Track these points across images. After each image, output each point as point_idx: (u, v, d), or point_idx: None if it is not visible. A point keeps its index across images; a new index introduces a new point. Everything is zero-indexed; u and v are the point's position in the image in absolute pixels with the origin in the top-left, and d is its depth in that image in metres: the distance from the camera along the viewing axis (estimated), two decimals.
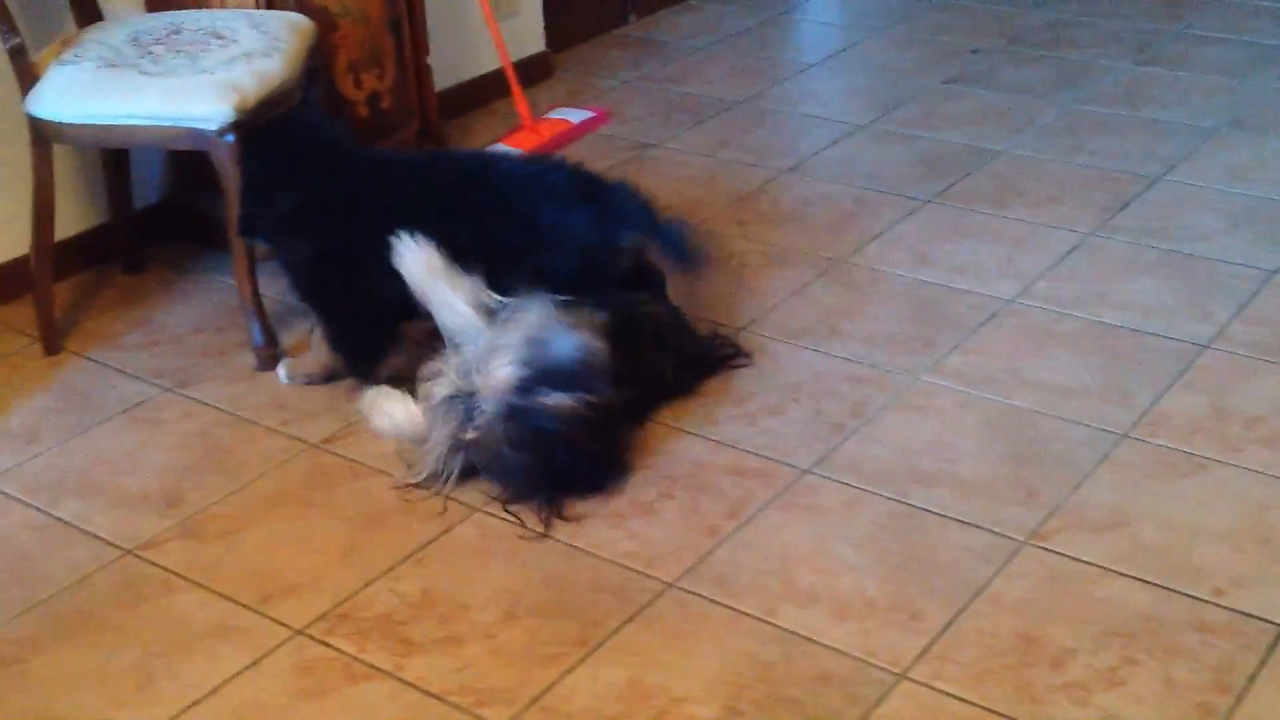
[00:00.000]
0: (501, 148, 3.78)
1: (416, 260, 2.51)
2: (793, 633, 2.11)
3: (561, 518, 2.37)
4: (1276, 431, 2.52)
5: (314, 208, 2.64)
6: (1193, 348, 2.79)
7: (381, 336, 2.68)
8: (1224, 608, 2.12)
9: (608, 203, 2.69)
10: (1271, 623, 2.08)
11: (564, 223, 2.64)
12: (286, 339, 2.95)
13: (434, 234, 2.54)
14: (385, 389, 2.60)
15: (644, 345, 2.60)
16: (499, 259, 2.59)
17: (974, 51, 4.42)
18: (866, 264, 3.17)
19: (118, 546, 2.37)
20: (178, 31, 2.91)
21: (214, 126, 2.70)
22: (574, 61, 4.48)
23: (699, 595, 2.20)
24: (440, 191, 2.69)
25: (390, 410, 2.56)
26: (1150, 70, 4.21)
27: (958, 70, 4.28)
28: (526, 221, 2.65)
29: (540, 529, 2.35)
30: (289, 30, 2.94)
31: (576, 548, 2.31)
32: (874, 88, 4.19)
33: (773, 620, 2.13)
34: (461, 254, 2.55)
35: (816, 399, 2.68)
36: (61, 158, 3.04)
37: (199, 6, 3.11)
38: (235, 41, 2.86)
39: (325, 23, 3.16)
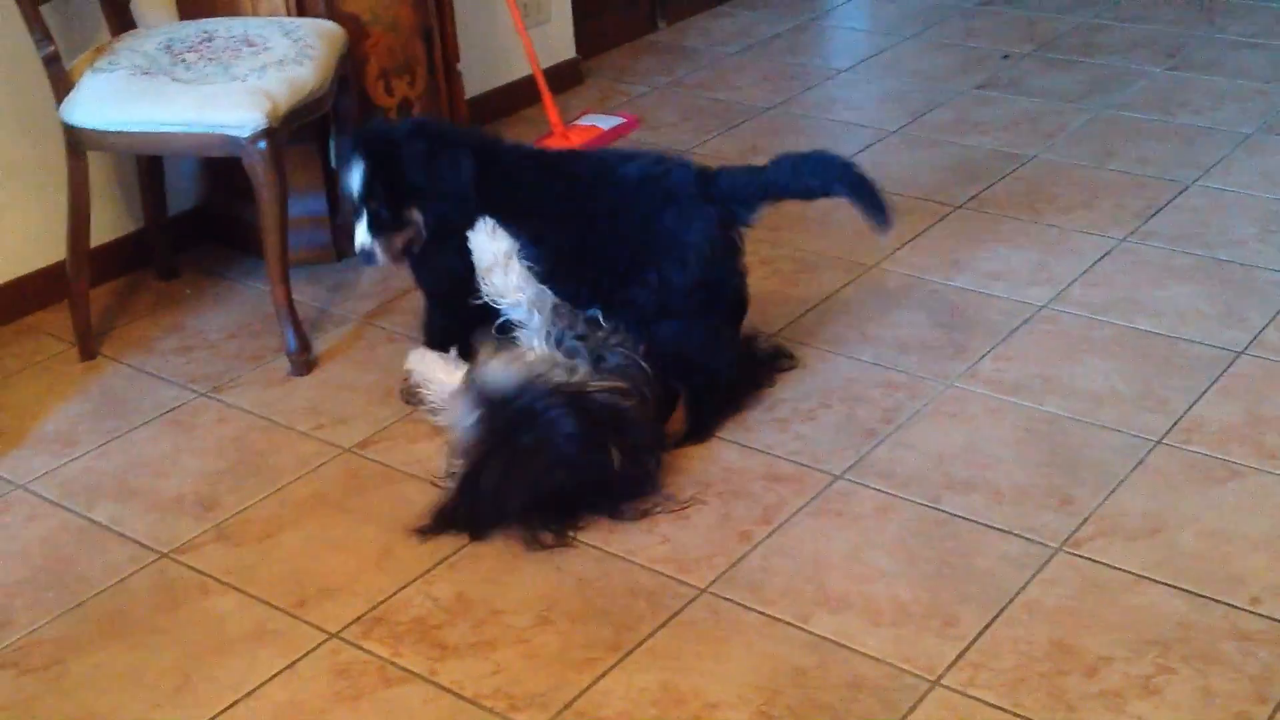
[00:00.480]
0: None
1: (484, 247, 2.52)
2: (826, 639, 2.11)
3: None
4: None
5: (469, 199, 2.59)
6: (1228, 354, 2.77)
7: (466, 328, 2.67)
8: (1262, 616, 2.10)
9: (730, 195, 2.59)
10: None
11: (681, 229, 2.54)
12: (320, 344, 2.97)
13: (548, 241, 2.55)
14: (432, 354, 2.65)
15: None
16: (613, 269, 2.55)
17: (1005, 57, 4.41)
18: (898, 270, 3.17)
19: (154, 550, 2.38)
20: (210, 39, 2.93)
21: (246, 133, 2.72)
22: (604, 68, 4.49)
23: (732, 601, 2.20)
24: (557, 199, 2.63)
25: (434, 372, 2.60)
26: (1182, 75, 4.19)
27: (989, 76, 4.27)
28: (643, 229, 2.55)
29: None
30: (320, 37, 2.95)
31: (609, 553, 2.32)
32: (905, 93, 4.18)
33: (806, 626, 2.13)
34: (573, 263, 2.55)
35: (849, 405, 2.67)
36: (97, 165, 3.07)
37: (231, 14, 3.14)
38: (267, 49, 2.88)
39: (356, 30, 3.18)
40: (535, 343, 2.51)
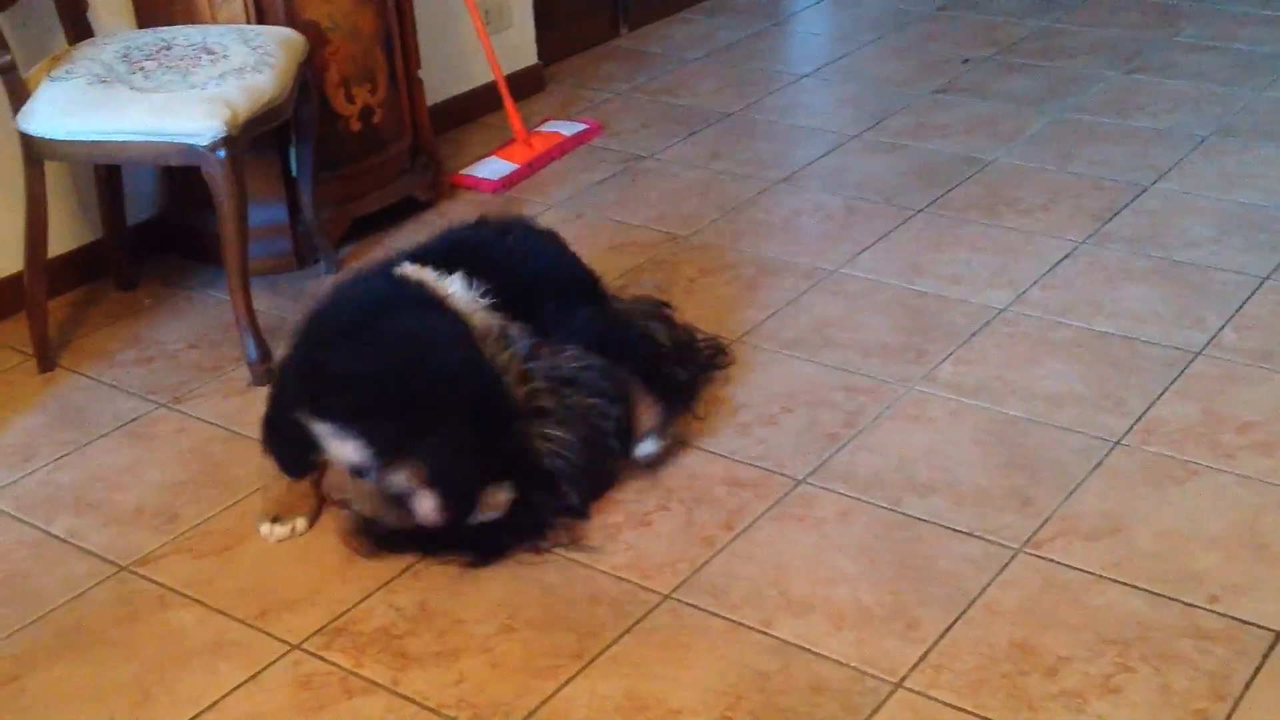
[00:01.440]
0: (496, 161, 3.79)
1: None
2: (789, 643, 2.11)
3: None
4: (1269, 437, 2.53)
5: None
6: (1185, 355, 2.80)
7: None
8: (1219, 614, 2.12)
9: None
10: (1267, 629, 2.09)
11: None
12: (280, 354, 2.95)
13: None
14: None
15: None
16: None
17: (965, 61, 4.44)
18: (859, 274, 3.18)
19: (113, 563, 2.36)
20: (169, 47, 2.92)
21: (205, 142, 2.71)
22: (566, 74, 4.49)
23: (695, 606, 2.20)
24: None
25: None
26: (1140, 79, 4.22)
27: (949, 80, 4.30)
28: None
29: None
30: (280, 45, 2.94)
31: (573, 560, 2.32)
32: (866, 98, 4.20)
33: (769, 631, 2.14)
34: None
35: (811, 409, 2.68)
36: (54, 174, 3.05)
37: (190, 22, 3.12)
38: (226, 57, 2.86)
39: (316, 37, 3.16)
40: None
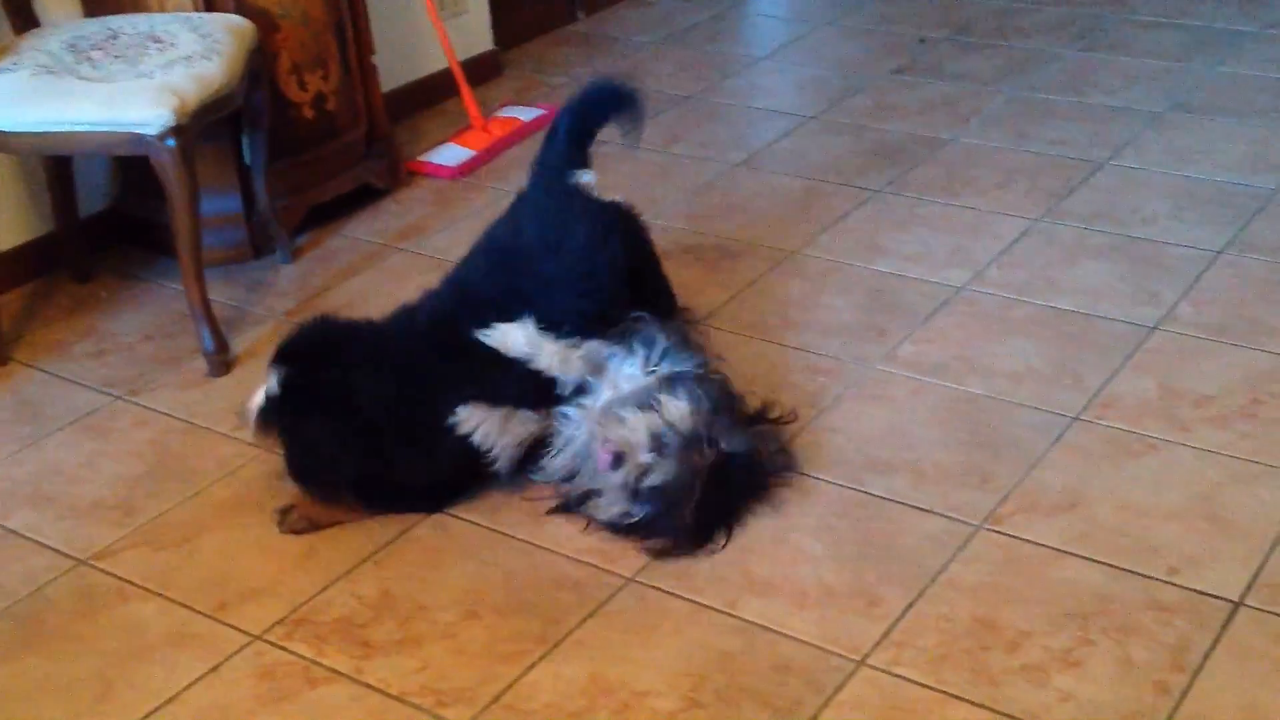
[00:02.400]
0: (453, 148, 3.77)
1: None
2: (753, 623, 2.11)
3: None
4: (1225, 410, 2.55)
5: None
6: (1141, 330, 2.81)
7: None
8: (1178, 586, 2.14)
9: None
10: (1225, 600, 2.11)
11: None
12: (238, 344, 2.93)
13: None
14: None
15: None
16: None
17: (921, 41, 4.44)
18: (819, 255, 3.18)
19: (72, 557, 2.34)
20: (115, 37, 2.88)
21: (154, 131, 2.68)
22: (523, 59, 4.47)
23: (659, 589, 2.20)
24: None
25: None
26: (1095, 56, 4.24)
27: (906, 60, 4.30)
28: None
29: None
30: (229, 33, 2.91)
31: (537, 545, 2.31)
32: (823, 79, 4.20)
33: (733, 611, 2.14)
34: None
35: (772, 390, 2.68)
36: (4, 167, 3.01)
37: (137, 11, 3.08)
38: (174, 45, 2.83)
39: (266, 24, 3.13)
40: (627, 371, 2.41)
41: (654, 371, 2.40)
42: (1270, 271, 3.00)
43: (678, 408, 2.31)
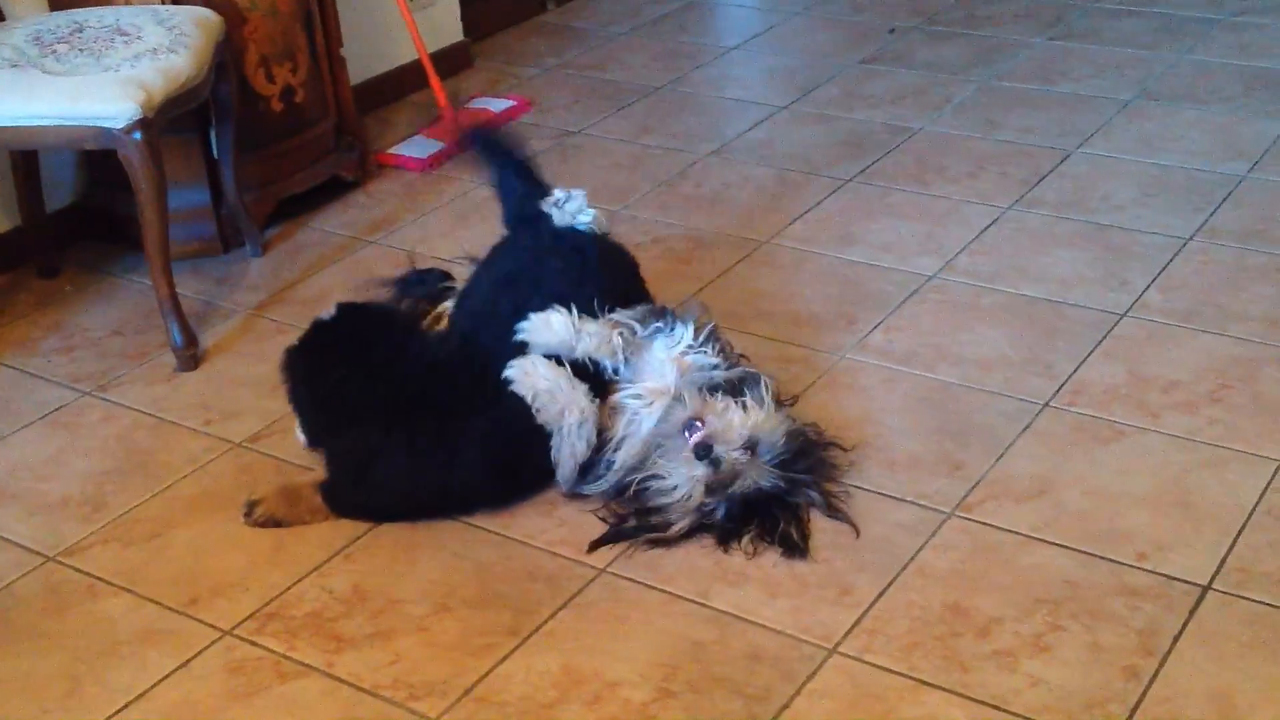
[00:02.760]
0: (423, 140, 3.76)
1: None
2: (725, 612, 2.11)
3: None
4: (1193, 397, 2.56)
5: None
6: (1110, 317, 2.83)
7: None
8: (1147, 571, 2.15)
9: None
10: (1194, 584, 2.12)
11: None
12: (207, 338, 2.91)
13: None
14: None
15: None
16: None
17: (891, 31, 4.45)
18: (790, 244, 3.19)
19: (40, 553, 2.32)
20: (81, 30, 2.86)
21: (120, 125, 2.66)
22: (493, 50, 4.46)
23: (631, 580, 2.20)
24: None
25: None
26: (1063, 45, 4.26)
27: (876, 50, 4.31)
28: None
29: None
30: (195, 25, 2.89)
31: (508, 537, 2.31)
32: (794, 69, 4.20)
33: (705, 601, 2.14)
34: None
35: None
36: None
37: (103, 3, 3.06)
38: (140, 38, 2.81)
39: (233, 16, 3.11)
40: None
41: (703, 351, 2.36)
42: (1238, 258, 3.02)
43: (767, 414, 2.29)
